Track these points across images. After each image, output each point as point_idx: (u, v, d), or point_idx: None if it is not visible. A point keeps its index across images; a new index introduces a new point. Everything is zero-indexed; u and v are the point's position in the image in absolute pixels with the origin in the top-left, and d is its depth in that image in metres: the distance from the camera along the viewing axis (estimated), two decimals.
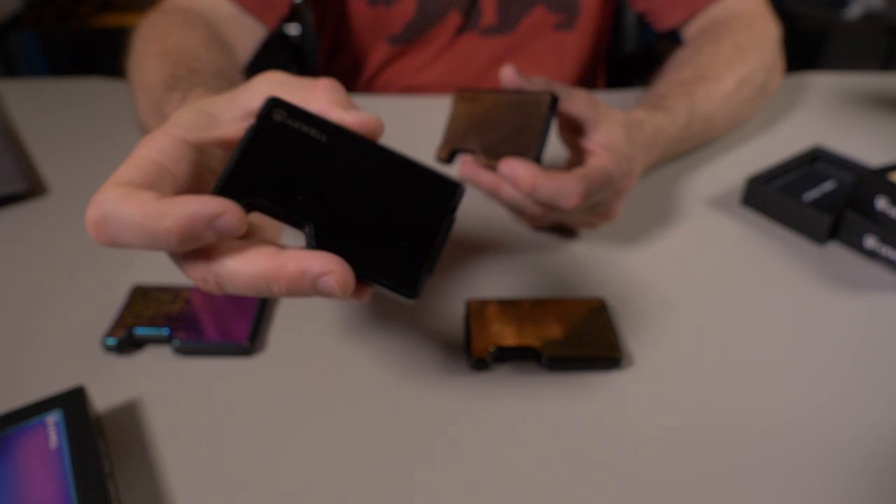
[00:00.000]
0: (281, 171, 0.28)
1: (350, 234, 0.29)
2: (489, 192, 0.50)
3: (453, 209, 0.31)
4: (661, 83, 0.62)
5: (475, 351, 0.42)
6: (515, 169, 0.45)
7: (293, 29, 1.11)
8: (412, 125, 0.70)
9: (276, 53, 1.06)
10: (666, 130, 0.56)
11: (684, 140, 0.60)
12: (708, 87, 0.61)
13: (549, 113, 0.47)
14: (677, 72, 0.63)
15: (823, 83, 0.78)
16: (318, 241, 0.28)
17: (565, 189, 0.45)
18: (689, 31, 0.74)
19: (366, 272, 0.29)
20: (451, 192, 0.31)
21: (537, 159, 0.47)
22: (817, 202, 0.56)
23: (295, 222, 0.29)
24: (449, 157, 0.53)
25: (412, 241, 0.30)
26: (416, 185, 0.31)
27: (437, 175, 0.31)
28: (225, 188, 0.28)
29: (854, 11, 2.06)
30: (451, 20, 0.80)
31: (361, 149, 0.30)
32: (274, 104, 0.29)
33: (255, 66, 1.01)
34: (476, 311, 0.45)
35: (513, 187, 0.47)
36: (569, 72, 0.86)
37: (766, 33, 0.68)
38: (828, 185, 0.58)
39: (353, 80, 0.91)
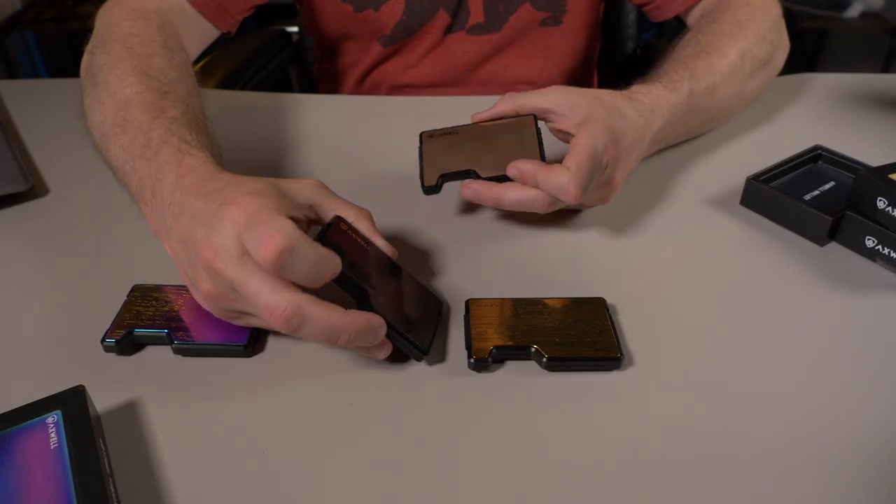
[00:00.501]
0: (345, 257, 0.40)
1: (386, 306, 0.41)
2: (493, 204, 0.51)
3: (440, 313, 0.46)
4: (662, 64, 0.63)
5: (475, 351, 0.42)
6: (521, 167, 0.48)
7: (293, 28, 1.11)
8: (402, 125, 0.70)
9: (277, 52, 1.07)
10: (667, 99, 0.57)
11: (691, 110, 0.59)
12: (710, 60, 0.61)
13: (537, 128, 0.52)
14: (678, 52, 0.64)
15: (823, 83, 0.78)
16: (372, 307, 0.40)
17: (562, 184, 0.47)
18: (692, 17, 0.74)
19: (399, 331, 0.41)
20: (438, 304, 0.46)
21: None
22: (817, 202, 0.56)
23: (354, 290, 0.40)
24: (438, 182, 0.52)
25: (420, 323, 0.43)
26: (417, 291, 0.45)
27: (430, 291, 0.46)
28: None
29: (854, 11, 2.06)
30: (439, 19, 0.80)
31: (387, 260, 0.45)
32: (340, 219, 0.43)
33: (257, 65, 1.02)
34: (476, 311, 0.45)
35: (515, 191, 0.49)
36: (556, 68, 0.85)
37: (767, 9, 0.68)
38: (828, 185, 0.58)
39: (344, 80, 0.91)
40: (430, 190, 0.52)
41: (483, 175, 0.51)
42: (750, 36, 0.64)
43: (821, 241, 0.52)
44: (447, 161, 0.53)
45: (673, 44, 0.67)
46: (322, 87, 0.96)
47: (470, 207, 0.57)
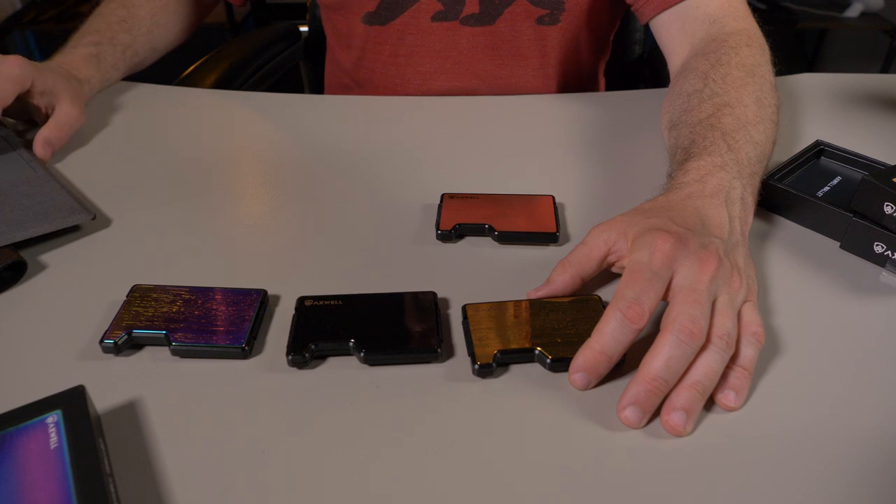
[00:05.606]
0: (322, 327, 0.44)
1: (379, 340, 0.43)
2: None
3: (436, 304, 0.45)
4: (680, 131, 0.57)
5: (479, 357, 0.41)
6: (548, 285, 0.46)
7: (304, 28, 1.13)
8: (400, 125, 0.70)
9: (284, 48, 1.08)
10: (711, 160, 0.50)
11: (748, 164, 0.52)
12: (735, 113, 0.55)
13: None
14: (693, 112, 0.57)
15: (823, 83, 0.78)
16: (364, 353, 0.42)
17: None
18: (681, 53, 0.69)
19: (399, 351, 0.42)
20: (431, 295, 0.46)
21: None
22: (829, 198, 0.55)
23: (341, 348, 0.43)
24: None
25: (420, 329, 0.43)
26: (403, 301, 0.46)
27: (414, 292, 0.46)
28: (293, 349, 0.42)
29: (854, 11, 2.06)
30: (426, 3, 0.79)
31: (366, 297, 0.46)
32: (303, 299, 0.46)
33: (262, 60, 1.03)
34: (474, 316, 0.44)
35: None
36: (552, 68, 0.85)
37: (764, 49, 0.65)
38: (835, 181, 0.58)
39: (342, 73, 0.91)
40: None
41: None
42: (759, 81, 0.60)
43: (841, 239, 0.52)
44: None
45: (674, 87, 0.63)
46: (327, 78, 0.96)
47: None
